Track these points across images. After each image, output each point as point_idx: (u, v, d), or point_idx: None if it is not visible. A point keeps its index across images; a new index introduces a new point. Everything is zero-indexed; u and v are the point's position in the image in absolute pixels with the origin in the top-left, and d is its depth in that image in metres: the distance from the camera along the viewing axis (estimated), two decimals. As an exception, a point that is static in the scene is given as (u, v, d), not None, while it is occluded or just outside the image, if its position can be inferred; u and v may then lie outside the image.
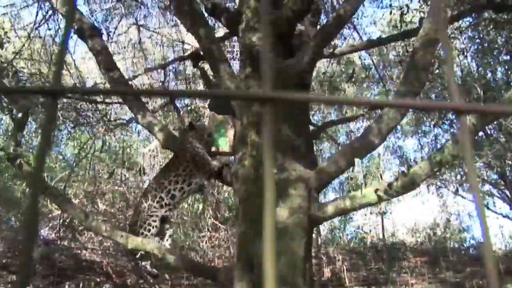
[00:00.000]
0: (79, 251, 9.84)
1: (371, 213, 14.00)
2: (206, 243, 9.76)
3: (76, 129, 9.67)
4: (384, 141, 4.29)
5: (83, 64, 11.02)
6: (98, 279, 9.27)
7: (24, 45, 7.34)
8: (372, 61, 9.04)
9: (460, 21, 7.35)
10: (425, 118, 10.56)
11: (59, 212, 8.97)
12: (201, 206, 10.09)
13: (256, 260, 3.81)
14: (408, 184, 3.84)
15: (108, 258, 9.65)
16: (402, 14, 6.99)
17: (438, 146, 11.01)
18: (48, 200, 9.95)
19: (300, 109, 4.68)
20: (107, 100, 7.59)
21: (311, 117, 8.13)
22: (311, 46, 4.51)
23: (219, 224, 10.17)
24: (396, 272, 10.47)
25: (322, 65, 10.19)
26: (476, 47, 8.88)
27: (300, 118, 4.61)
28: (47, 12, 7.20)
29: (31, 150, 11.31)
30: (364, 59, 10.58)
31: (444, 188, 13.59)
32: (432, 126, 9.95)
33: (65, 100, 7.72)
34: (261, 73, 0.46)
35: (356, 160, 3.93)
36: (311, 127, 6.16)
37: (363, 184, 4.10)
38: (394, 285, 9.92)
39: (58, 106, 7.59)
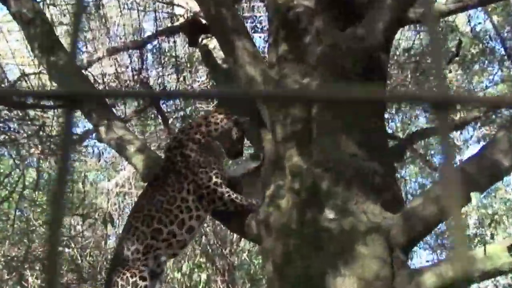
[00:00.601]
0: None
1: (496, 286, 13.76)
2: None
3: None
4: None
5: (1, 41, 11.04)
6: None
7: None
8: (493, 25, 8.92)
9: None
10: None
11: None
12: (204, 276, 10.02)
13: None
14: None
15: None
16: None
17: None
18: None
19: (373, 109, 4.69)
20: (46, 103, 7.68)
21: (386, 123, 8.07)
22: (387, 6, 4.52)
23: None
24: None
25: (403, 36, 10.15)
26: None
27: (372, 125, 4.65)
28: None
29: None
30: (477, 23, 10.50)
31: None
32: None
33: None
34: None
35: (473, 194, 3.90)
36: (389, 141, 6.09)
37: (486, 237, 4.05)
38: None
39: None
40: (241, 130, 5.10)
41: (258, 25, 9.59)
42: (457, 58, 9.38)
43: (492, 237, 3.91)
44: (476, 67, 11.48)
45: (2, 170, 11.01)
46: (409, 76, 9.96)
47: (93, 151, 12.04)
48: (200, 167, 4.85)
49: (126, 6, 9.71)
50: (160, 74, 9.99)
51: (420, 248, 14.45)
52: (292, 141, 4.48)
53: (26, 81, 8.49)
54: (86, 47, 10.24)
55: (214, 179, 4.81)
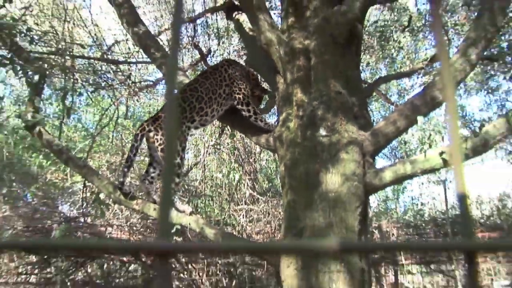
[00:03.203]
0: (104, 229, 9.72)
1: (428, 181, 13.83)
2: (243, 217, 9.79)
3: (96, 93, 9.77)
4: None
5: (100, 19, 11.02)
6: (125, 259, 9.21)
7: (33, -2, 7.28)
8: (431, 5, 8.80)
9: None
10: (493, 72, 10.19)
11: (81, 186, 8.86)
12: (237, 176, 10.10)
13: (306, 233, 3.84)
14: (479, 145, 3.74)
15: (136, 236, 9.70)
16: None
17: None
18: (69, 174, 10.20)
19: (352, 62, 4.63)
20: (131, 60, 7.68)
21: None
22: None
23: (258, 196, 10.15)
24: (459, 249, 10.33)
25: (372, 13, 10.00)
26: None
27: (352, 73, 4.56)
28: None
29: (49, 117, 11.63)
30: (423, 4, 10.34)
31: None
32: (507, 78, 9.42)
33: (82, 60, 7.79)
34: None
35: (420, 118, 3.89)
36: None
37: (421, 150, 4.02)
38: (458, 263, 9.88)
39: (75, 67, 7.55)
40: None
41: (274, 4, 9.38)
42: (407, 28, 9.22)
43: (430, 146, 3.87)
44: (420, 35, 11.27)
45: (103, 105, 11.10)
46: (375, 41, 9.86)
47: (162, 92, 11.64)
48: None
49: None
50: (207, 39, 9.93)
51: (378, 157, 14.55)
52: (297, 83, 4.44)
53: (117, 46, 8.47)
54: (158, 22, 10.16)
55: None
